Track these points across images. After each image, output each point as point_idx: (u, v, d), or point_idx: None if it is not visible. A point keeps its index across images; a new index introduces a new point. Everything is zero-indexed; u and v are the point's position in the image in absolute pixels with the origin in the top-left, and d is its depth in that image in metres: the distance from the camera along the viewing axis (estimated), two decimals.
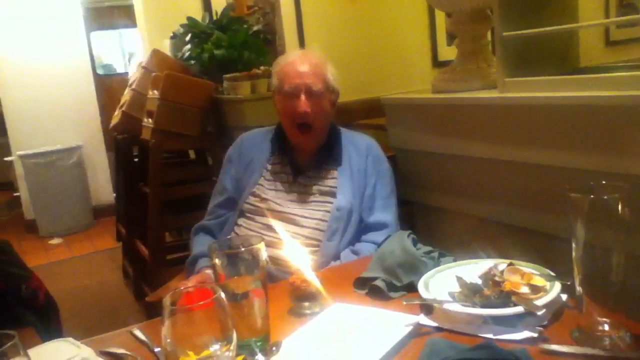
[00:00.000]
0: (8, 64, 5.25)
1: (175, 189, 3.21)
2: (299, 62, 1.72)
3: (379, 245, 1.62)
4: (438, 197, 1.83)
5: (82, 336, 1.12)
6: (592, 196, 0.90)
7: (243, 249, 1.03)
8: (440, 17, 5.26)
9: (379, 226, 1.70)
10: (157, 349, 1.07)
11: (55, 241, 5.03)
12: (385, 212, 1.73)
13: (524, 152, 1.45)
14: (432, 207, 1.86)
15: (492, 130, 1.55)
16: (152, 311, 2.97)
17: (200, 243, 1.77)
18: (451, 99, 1.67)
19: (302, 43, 4.56)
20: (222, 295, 0.79)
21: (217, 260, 1.04)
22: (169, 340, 0.78)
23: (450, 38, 5.27)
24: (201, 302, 0.78)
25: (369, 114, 2.90)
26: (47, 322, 1.63)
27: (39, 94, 5.31)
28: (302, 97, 1.68)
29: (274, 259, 1.56)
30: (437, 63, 5.26)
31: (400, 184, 1.81)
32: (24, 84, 5.29)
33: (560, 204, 1.31)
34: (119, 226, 4.12)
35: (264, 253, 1.04)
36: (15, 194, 5.66)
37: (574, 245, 0.93)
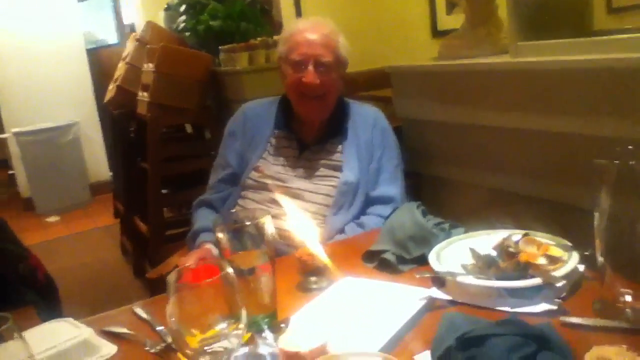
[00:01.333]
0: (0, 41, 5.14)
1: (174, 164, 3.16)
2: (309, 30, 1.64)
3: (386, 218, 1.59)
4: (447, 168, 1.78)
5: (82, 314, 1.08)
6: (617, 162, 0.85)
7: (248, 223, 0.99)
8: None
9: (385, 200, 1.66)
10: (159, 328, 1.03)
11: (52, 219, 4.99)
12: (391, 186, 1.68)
13: (537, 119, 1.40)
14: (441, 179, 1.82)
15: (504, 97, 1.49)
16: (152, 288, 2.97)
17: (202, 217, 1.72)
18: (462, 66, 1.61)
19: (299, 13, 4.47)
20: (231, 271, 0.75)
21: (221, 235, 1.00)
22: (173, 318, 0.74)
23: (450, 6, 5.18)
24: (208, 280, 0.73)
25: (370, 86, 2.83)
26: (47, 301, 1.59)
27: (32, 71, 5.23)
28: (310, 67, 1.61)
29: (279, 233, 1.51)
30: (436, 32, 5.17)
31: (406, 156, 1.77)
32: (16, 61, 5.19)
33: (577, 173, 1.27)
34: (116, 203, 4.07)
35: (270, 227, 0.99)
36: (10, 172, 5.60)
37: (596, 214, 0.89)
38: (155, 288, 2.42)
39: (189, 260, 1.50)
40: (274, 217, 1.14)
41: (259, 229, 0.99)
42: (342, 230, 1.61)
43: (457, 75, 1.66)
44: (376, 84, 2.62)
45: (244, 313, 0.76)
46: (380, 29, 4.25)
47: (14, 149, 5.23)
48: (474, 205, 1.68)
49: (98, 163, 5.61)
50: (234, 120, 1.83)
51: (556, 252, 1.04)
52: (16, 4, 5.16)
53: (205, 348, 0.73)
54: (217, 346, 0.74)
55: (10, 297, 1.50)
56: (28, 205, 5.24)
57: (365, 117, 1.74)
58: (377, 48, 3.45)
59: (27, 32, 5.20)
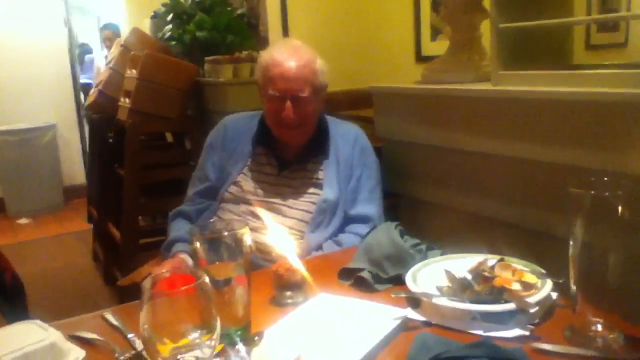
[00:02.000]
0: None
1: (151, 172, 3.13)
2: (286, 63, 1.59)
3: (363, 236, 1.60)
4: (425, 190, 1.79)
5: (50, 319, 1.06)
6: (592, 192, 0.87)
7: (226, 233, 0.98)
8: (425, 10, 5.24)
9: (363, 218, 1.66)
10: (130, 335, 1.02)
11: (23, 221, 4.89)
12: (369, 205, 1.68)
13: (516, 146, 1.42)
14: (419, 200, 1.83)
15: (484, 123, 1.52)
16: (122, 296, 2.92)
17: (177, 228, 1.71)
18: (443, 90, 1.63)
19: (285, 29, 4.50)
20: (207, 280, 0.74)
21: (198, 244, 0.99)
22: (146, 325, 0.73)
23: (435, 33, 5.27)
24: (184, 287, 0.72)
25: (352, 105, 2.85)
26: (13, 303, 1.56)
27: (14, 70, 5.16)
28: (288, 103, 1.59)
29: (257, 246, 1.50)
30: (420, 58, 5.25)
31: (385, 176, 1.77)
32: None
33: (553, 201, 1.29)
34: (90, 208, 4.01)
35: (248, 238, 0.99)
36: None
37: (571, 242, 0.91)
38: (125, 296, 2.38)
39: (163, 269, 1.48)
40: (252, 229, 1.13)
41: (237, 241, 0.98)
42: (319, 247, 1.61)
43: (439, 99, 1.68)
44: (358, 104, 2.65)
45: (218, 324, 0.76)
46: (365, 50, 4.30)
47: None
48: (450, 228, 1.70)
49: (73, 167, 5.54)
50: (214, 132, 1.82)
51: (530, 278, 1.05)
52: (1, 2, 5.10)
53: (178, 357, 0.72)
54: (189, 355, 0.73)
55: None
56: None
57: (346, 135, 1.75)
58: (361, 69, 3.48)
59: (11, 31, 5.14)
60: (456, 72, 1.68)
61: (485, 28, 1.80)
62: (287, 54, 1.62)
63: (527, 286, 1.04)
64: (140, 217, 3.50)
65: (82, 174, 5.54)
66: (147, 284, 0.72)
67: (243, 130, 1.76)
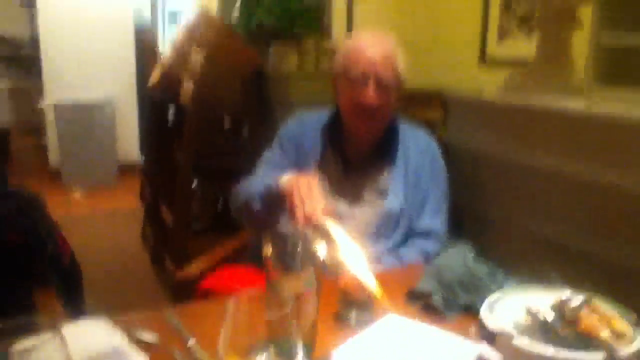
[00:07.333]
0: (50, 8, 5.17)
1: (207, 157, 3.13)
2: (370, 47, 1.56)
3: (428, 254, 1.53)
4: (494, 207, 1.70)
5: (97, 299, 1.04)
6: None
7: (300, 246, 0.94)
8: (494, 9, 5.06)
9: (427, 233, 1.59)
10: (190, 341, 0.98)
11: (77, 193, 5.00)
12: (435, 219, 1.61)
13: (607, 171, 1.32)
14: (486, 218, 1.74)
15: (571, 143, 1.41)
16: (169, 280, 2.94)
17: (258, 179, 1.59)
18: (528, 104, 1.53)
19: (350, 21, 4.43)
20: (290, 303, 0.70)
21: (270, 253, 0.94)
22: (222, 344, 0.69)
23: (503, 34, 5.08)
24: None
25: (407, 106, 2.75)
26: (70, 285, 1.56)
27: (79, 41, 5.25)
28: (371, 86, 1.54)
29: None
30: (484, 59, 5.07)
31: (451, 187, 1.69)
32: (64, 30, 5.21)
33: None
34: (143, 187, 4.05)
35: (322, 252, 0.94)
36: (42, 141, 5.64)
37: None
38: (174, 284, 2.38)
39: (301, 192, 1.26)
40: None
41: (310, 254, 0.94)
42: (378, 260, 1.55)
43: (521, 112, 1.58)
44: (414, 105, 2.55)
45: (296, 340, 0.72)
46: (427, 47, 4.17)
47: (50, 119, 5.26)
48: (519, 253, 1.60)
49: (129, 144, 5.61)
50: (287, 126, 1.77)
51: (622, 325, 0.96)
52: None
53: None
54: None
55: (35, 276, 1.47)
56: (55, 176, 5.26)
57: (418, 142, 1.67)
58: (421, 66, 3.38)
59: (78, 3, 5.22)
60: (543, 84, 1.58)
61: (576, 40, 1.69)
62: (373, 40, 1.59)
63: (618, 335, 0.95)
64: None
65: (136, 152, 5.63)
66: (230, 305, 0.68)
67: (313, 128, 1.71)
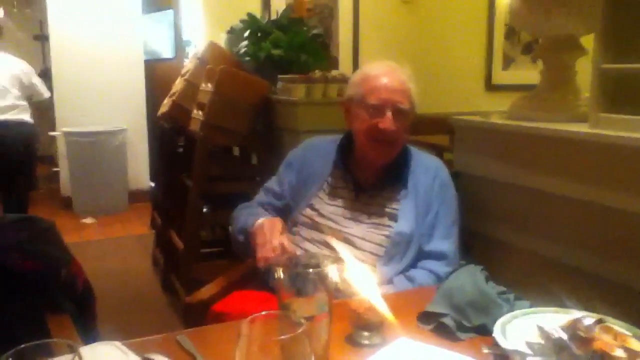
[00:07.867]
0: (62, 41, 5.29)
1: (216, 184, 3.16)
2: (388, 76, 1.61)
3: (439, 276, 1.53)
4: (503, 230, 1.71)
5: (109, 322, 1.05)
6: None
7: (312, 269, 0.95)
8: (498, 38, 5.13)
9: (438, 255, 1.60)
10: None
11: (88, 220, 5.03)
12: (445, 242, 1.62)
13: (612, 195, 1.33)
14: (495, 240, 1.75)
15: (577, 167, 1.43)
16: (179, 305, 2.95)
17: (248, 213, 1.72)
18: (534, 129, 1.55)
19: (356, 50, 4.50)
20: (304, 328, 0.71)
21: (282, 276, 0.96)
22: None
23: (507, 62, 5.14)
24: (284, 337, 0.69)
25: (413, 131, 2.79)
26: (83, 310, 1.57)
27: (89, 73, 5.35)
28: (389, 114, 1.57)
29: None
30: (490, 86, 5.13)
31: (460, 210, 1.71)
32: (76, 63, 5.32)
33: None
34: (154, 214, 4.09)
35: (334, 275, 0.95)
36: (54, 169, 5.71)
37: None
38: (184, 309, 2.39)
39: (264, 235, 1.50)
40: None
41: (322, 277, 0.95)
42: (390, 282, 1.56)
43: (528, 137, 1.60)
44: (421, 130, 2.58)
45: None
46: (434, 75, 4.22)
47: (61, 147, 5.34)
48: (528, 274, 1.61)
49: (140, 171, 5.67)
50: (295, 152, 1.81)
51: (635, 344, 0.97)
52: (83, 9, 5.31)
53: None
54: None
55: (49, 303, 1.49)
56: (66, 203, 5.31)
57: (427, 167, 1.70)
58: (428, 94, 3.42)
59: (88, 35, 5.33)
60: (548, 111, 1.60)
61: (580, 66, 1.72)
62: (387, 69, 1.64)
63: (632, 354, 0.95)
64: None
65: (147, 179, 5.68)
66: (244, 328, 0.69)
67: (323, 152, 1.74)
